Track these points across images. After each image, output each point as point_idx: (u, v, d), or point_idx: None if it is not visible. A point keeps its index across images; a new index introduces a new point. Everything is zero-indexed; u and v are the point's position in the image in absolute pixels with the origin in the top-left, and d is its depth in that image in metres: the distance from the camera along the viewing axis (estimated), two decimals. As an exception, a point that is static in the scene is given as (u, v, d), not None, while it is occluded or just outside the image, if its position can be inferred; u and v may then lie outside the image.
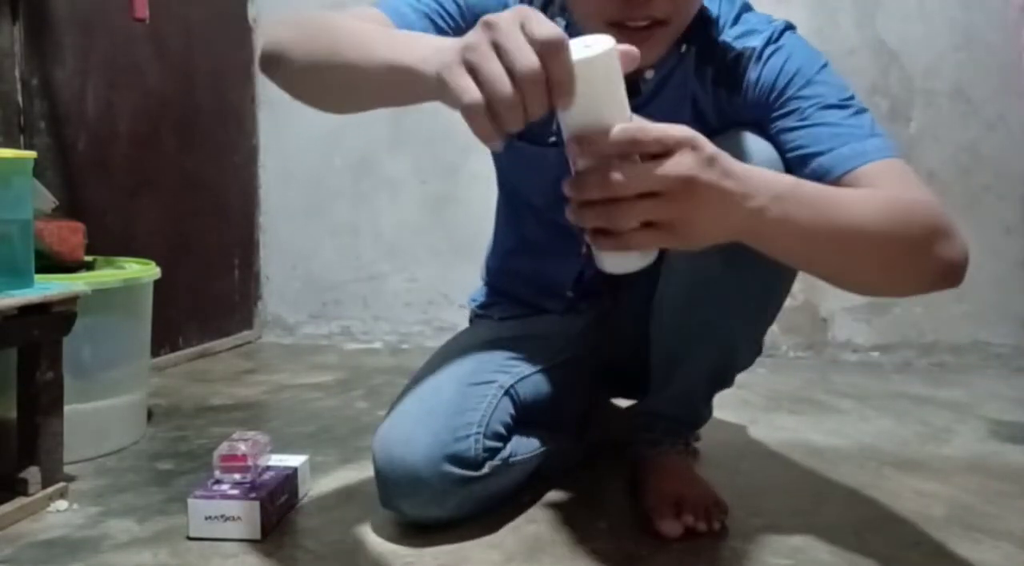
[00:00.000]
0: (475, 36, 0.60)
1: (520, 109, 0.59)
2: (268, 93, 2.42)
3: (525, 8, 0.60)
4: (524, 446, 1.06)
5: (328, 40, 0.77)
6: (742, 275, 0.94)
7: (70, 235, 1.37)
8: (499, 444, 1.00)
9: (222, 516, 0.98)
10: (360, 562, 0.94)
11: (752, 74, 0.92)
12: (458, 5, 0.93)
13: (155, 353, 1.72)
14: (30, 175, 1.15)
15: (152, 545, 0.98)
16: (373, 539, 0.99)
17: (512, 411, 1.04)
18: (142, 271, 1.42)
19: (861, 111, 0.88)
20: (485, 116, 0.59)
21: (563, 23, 0.95)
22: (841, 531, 1.00)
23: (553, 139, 1.00)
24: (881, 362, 2.09)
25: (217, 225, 2.29)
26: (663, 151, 0.64)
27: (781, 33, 0.94)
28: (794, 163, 0.88)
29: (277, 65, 0.82)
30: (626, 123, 0.64)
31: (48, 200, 1.42)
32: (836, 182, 0.82)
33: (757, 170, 0.71)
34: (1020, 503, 1.11)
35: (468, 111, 0.59)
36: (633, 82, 0.88)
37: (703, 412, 1.14)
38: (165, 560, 0.94)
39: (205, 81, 2.21)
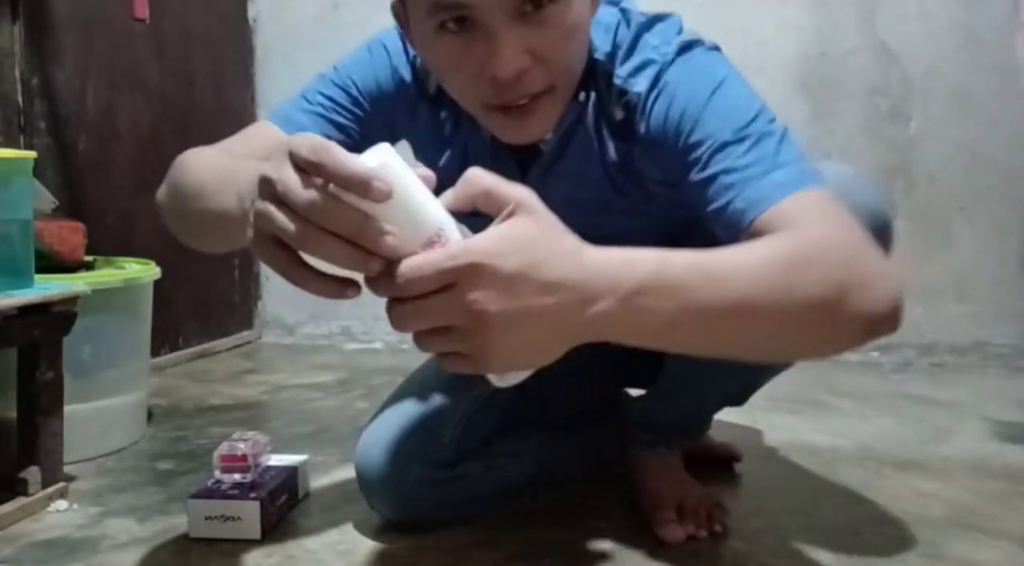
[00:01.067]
0: (257, 203, 0.54)
1: (330, 237, 0.52)
2: (268, 93, 2.42)
3: (290, 141, 0.54)
4: (512, 450, 1.06)
5: (183, 194, 0.77)
6: None
7: (70, 235, 1.37)
8: (479, 446, 1.01)
9: (222, 516, 0.98)
10: (360, 562, 0.94)
11: (640, 126, 0.81)
12: (352, 95, 0.90)
13: (155, 353, 1.72)
14: (30, 175, 1.15)
15: (152, 545, 0.98)
16: (373, 539, 0.99)
17: (497, 414, 1.04)
18: (142, 271, 1.42)
19: (763, 136, 0.74)
20: (309, 270, 0.55)
21: (448, 114, 0.89)
22: (841, 531, 1.00)
23: None
24: (881, 362, 2.09)
25: (217, 225, 2.29)
26: (452, 281, 0.54)
27: (672, 63, 0.80)
28: (713, 219, 0.75)
29: (161, 214, 0.84)
30: (414, 253, 0.55)
31: (48, 200, 1.42)
32: (750, 230, 0.70)
33: (610, 260, 0.59)
34: (1020, 503, 1.11)
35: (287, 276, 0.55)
36: (533, 147, 0.85)
37: (709, 422, 1.14)
38: (165, 560, 0.94)
39: (205, 81, 2.21)
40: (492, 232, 0.56)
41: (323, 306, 2.44)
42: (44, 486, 1.11)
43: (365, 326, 2.39)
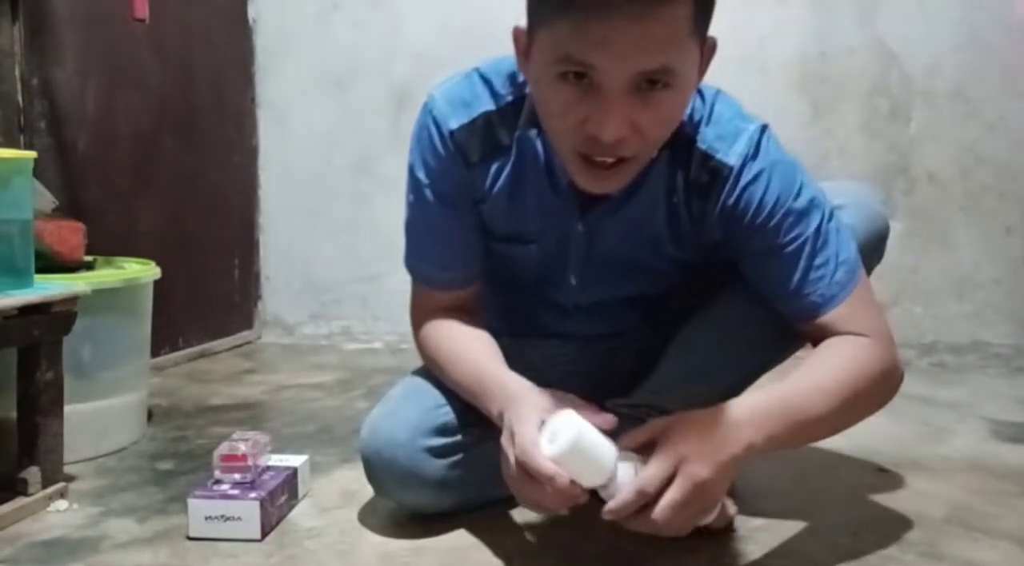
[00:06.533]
0: (503, 457, 0.84)
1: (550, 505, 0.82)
2: (268, 93, 2.42)
3: (519, 455, 0.80)
4: None
5: (444, 378, 1.02)
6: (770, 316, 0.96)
7: (70, 235, 1.37)
8: (481, 416, 0.99)
9: (222, 516, 0.98)
10: (360, 562, 0.94)
11: (727, 196, 0.91)
12: (431, 197, 0.99)
13: (155, 353, 1.72)
14: (30, 175, 1.15)
15: (152, 545, 0.98)
16: (373, 539, 0.99)
17: None
18: (142, 271, 1.42)
19: (827, 232, 0.90)
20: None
21: (534, 133, 0.95)
22: (840, 531, 1.00)
23: (533, 238, 1.02)
24: (881, 362, 2.09)
25: (217, 225, 2.29)
26: (662, 485, 0.76)
27: (758, 145, 0.90)
28: (775, 302, 0.94)
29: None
30: (614, 495, 0.77)
31: (48, 200, 1.42)
32: (813, 323, 0.91)
33: (741, 421, 0.82)
34: (1020, 503, 1.11)
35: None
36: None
37: None
38: (165, 560, 0.94)
39: (205, 81, 2.21)
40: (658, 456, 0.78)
41: (323, 306, 2.44)
42: (44, 486, 1.11)
43: (365, 326, 2.39)
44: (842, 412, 0.88)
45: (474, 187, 0.98)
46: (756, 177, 0.90)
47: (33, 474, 1.10)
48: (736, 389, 1.03)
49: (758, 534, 0.99)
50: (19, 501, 1.07)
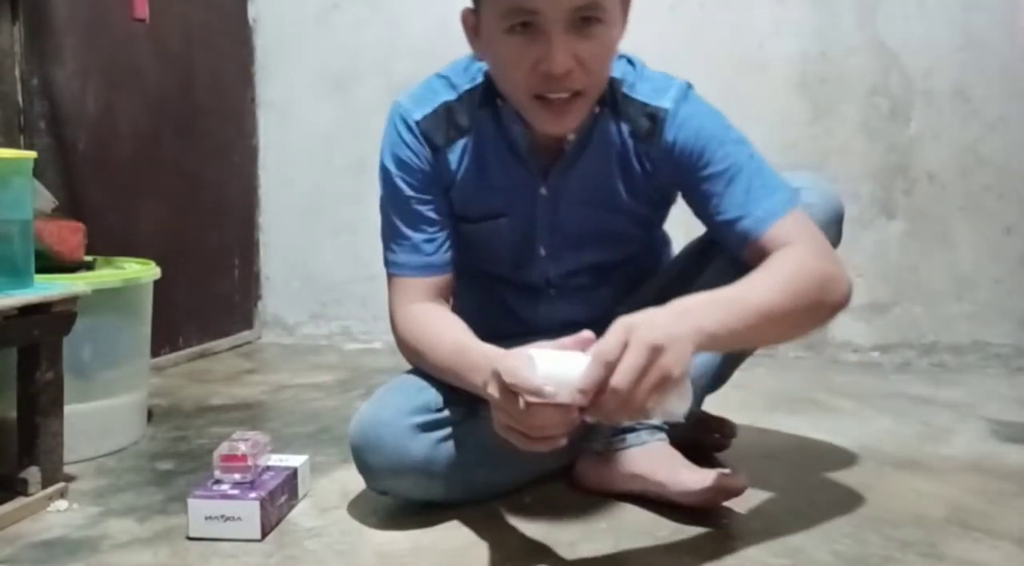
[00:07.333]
0: (494, 412, 0.86)
1: (548, 426, 0.83)
2: (268, 93, 2.42)
3: (496, 368, 0.82)
4: None
5: (425, 365, 1.07)
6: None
7: (70, 235, 1.37)
8: (465, 394, 1.02)
9: (222, 516, 0.98)
10: (360, 562, 0.94)
11: (669, 134, 1.03)
12: (406, 188, 1.08)
13: (155, 353, 1.72)
14: (30, 175, 1.15)
15: (152, 545, 0.98)
16: (373, 539, 0.99)
17: None
18: (142, 271, 1.42)
19: (760, 163, 1.03)
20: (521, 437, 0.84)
21: (491, 111, 1.07)
22: (841, 531, 1.00)
23: (502, 210, 1.11)
24: (881, 362, 2.09)
25: (217, 225, 2.29)
26: (620, 353, 0.77)
27: (687, 93, 1.05)
28: (720, 227, 1.03)
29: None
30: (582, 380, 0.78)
31: (48, 200, 1.42)
32: (756, 242, 0.99)
33: (689, 307, 0.85)
34: (1020, 503, 1.11)
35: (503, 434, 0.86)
36: (557, 148, 1.06)
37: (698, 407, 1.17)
38: (165, 560, 0.94)
39: (205, 81, 2.21)
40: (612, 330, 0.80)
41: (323, 306, 2.45)
42: (44, 486, 1.11)
43: (365, 326, 2.39)
44: (789, 305, 0.91)
45: (442, 173, 1.09)
46: (690, 115, 1.03)
47: (33, 474, 1.10)
48: (723, 366, 1.11)
49: (758, 534, 0.99)
50: (19, 501, 1.08)
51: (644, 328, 0.78)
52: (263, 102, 2.43)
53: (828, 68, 2.10)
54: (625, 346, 0.77)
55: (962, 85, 2.05)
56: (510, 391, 0.81)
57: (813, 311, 0.94)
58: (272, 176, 2.46)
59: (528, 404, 0.80)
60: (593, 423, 0.84)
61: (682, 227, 1.20)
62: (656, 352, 0.77)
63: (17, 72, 1.61)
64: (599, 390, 0.77)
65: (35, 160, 1.16)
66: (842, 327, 2.12)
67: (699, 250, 1.15)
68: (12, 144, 1.58)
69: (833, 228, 1.08)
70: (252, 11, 2.41)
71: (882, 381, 1.90)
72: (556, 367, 0.80)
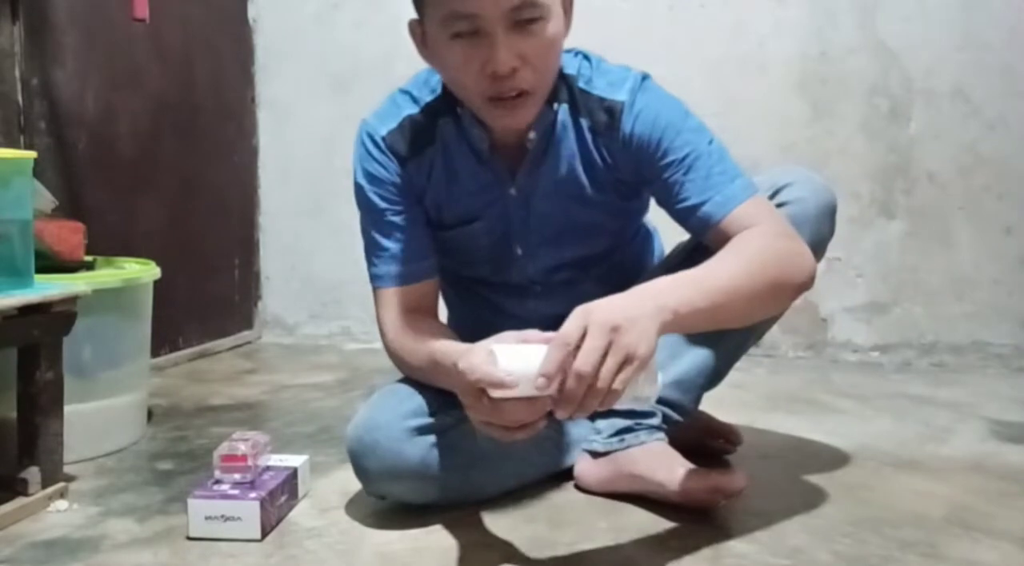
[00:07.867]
0: (468, 410, 0.86)
1: (522, 417, 0.82)
2: (268, 93, 2.42)
3: (461, 369, 0.83)
4: None
5: (411, 373, 1.12)
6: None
7: (70, 235, 1.37)
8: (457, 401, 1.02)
9: (222, 516, 0.98)
10: (360, 562, 0.94)
11: (626, 126, 1.04)
12: (380, 201, 1.09)
13: (155, 353, 1.72)
14: (30, 175, 1.15)
15: (152, 545, 0.98)
16: (373, 539, 0.99)
17: None
18: (142, 271, 1.42)
19: (720, 151, 1.03)
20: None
21: (451, 119, 1.09)
22: (841, 531, 1.00)
23: (476, 214, 1.12)
24: (881, 362, 2.09)
25: (217, 225, 2.29)
26: (580, 340, 0.77)
27: (643, 84, 1.06)
28: (682, 214, 1.03)
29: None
30: (541, 370, 0.77)
31: (48, 200, 1.42)
32: (716, 227, 0.99)
33: (650, 288, 0.85)
34: (1020, 503, 1.11)
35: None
36: (520, 146, 1.07)
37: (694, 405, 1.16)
38: (165, 560, 0.94)
39: (205, 81, 2.21)
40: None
41: (323, 306, 2.45)
42: (44, 486, 1.11)
43: (365, 326, 2.39)
44: (752, 282, 0.91)
45: (413, 184, 1.10)
46: (646, 105, 1.04)
47: (33, 474, 1.10)
48: (719, 363, 1.12)
49: (758, 534, 0.99)
50: (19, 501, 1.08)
51: (602, 311, 0.78)
52: (263, 102, 2.43)
53: (828, 68, 2.10)
54: (584, 330, 0.77)
55: (962, 85, 2.05)
56: (475, 387, 0.81)
57: (777, 289, 0.94)
58: (272, 176, 2.46)
59: (491, 399, 0.81)
60: (565, 418, 0.83)
61: (672, 220, 1.20)
62: (615, 332, 0.77)
63: (17, 72, 1.61)
64: (563, 378, 0.76)
65: (35, 160, 1.16)
66: (842, 327, 2.12)
67: (690, 247, 1.14)
68: (12, 144, 1.58)
69: (826, 220, 1.09)
70: (252, 11, 2.41)
71: (882, 381, 1.90)
72: (517, 360, 0.80)
